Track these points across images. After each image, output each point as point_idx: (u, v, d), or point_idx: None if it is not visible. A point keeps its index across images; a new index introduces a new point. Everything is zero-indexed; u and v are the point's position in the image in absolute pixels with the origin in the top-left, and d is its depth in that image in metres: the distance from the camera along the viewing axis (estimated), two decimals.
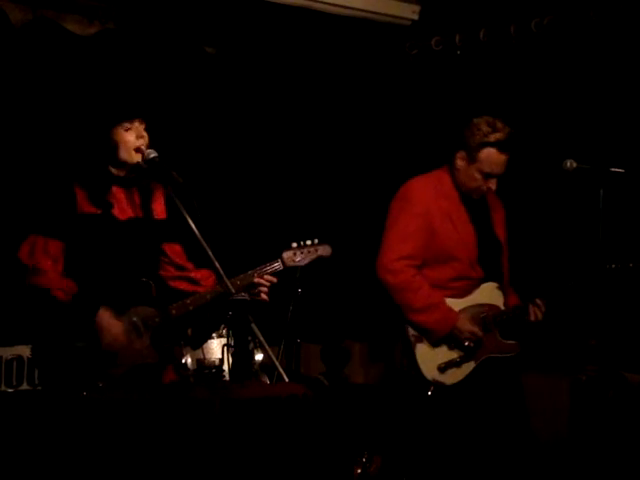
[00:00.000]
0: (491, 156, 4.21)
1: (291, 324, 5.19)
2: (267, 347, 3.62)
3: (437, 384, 4.23)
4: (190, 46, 5.99)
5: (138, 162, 3.85)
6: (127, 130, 3.85)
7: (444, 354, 4.26)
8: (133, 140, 3.85)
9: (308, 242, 4.02)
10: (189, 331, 4.98)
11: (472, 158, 4.23)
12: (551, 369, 5.47)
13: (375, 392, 5.20)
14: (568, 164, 4.20)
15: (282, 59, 6.26)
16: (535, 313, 4.30)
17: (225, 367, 4.79)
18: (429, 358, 4.24)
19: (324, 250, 4.06)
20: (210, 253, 3.64)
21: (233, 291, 3.61)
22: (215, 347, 4.90)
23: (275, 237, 5.85)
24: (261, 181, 6.26)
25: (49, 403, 2.95)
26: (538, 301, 4.31)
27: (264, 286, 3.94)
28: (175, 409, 3.03)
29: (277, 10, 5.75)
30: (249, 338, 3.93)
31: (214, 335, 4.97)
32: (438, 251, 4.27)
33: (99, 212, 3.83)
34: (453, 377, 4.25)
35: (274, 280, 3.96)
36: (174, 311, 3.90)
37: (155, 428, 2.94)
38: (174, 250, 4.07)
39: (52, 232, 3.79)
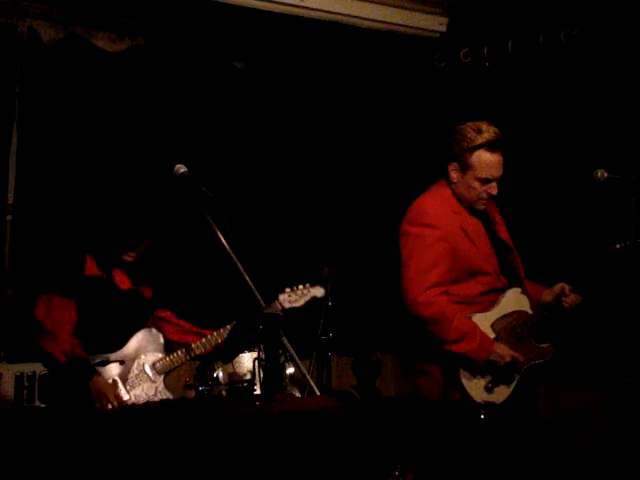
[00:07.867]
0: (482, 158, 4.03)
1: (322, 337, 5.18)
2: (298, 360, 3.62)
3: (488, 405, 4.09)
4: (219, 61, 6.02)
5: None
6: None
7: (488, 374, 4.11)
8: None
9: (300, 286, 4.52)
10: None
11: (464, 167, 4.07)
12: (587, 381, 5.42)
13: (408, 405, 5.16)
14: (599, 174, 4.16)
15: (312, 73, 6.28)
16: (568, 302, 4.19)
17: (256, 381, 4.82)
18: (474, 381, 4.09)
19: (317, 291, 4.57)
20: (241, 267, 3.64)
21: (263, 305, 3.63)
22: (246, 361, 4.91)
23: (311, 251, 5.87)
24: (291, 197, 6.26)
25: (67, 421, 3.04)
26: (564, 286, 4.20)
27: None
28: (206, 423, 3.03)
29: (307, 24, 5.78)
30: (280, 352, 3.93)
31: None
32: (463, 269, 4.09)
33: (104, 276, 4.43)
34: (502, 394, 4.13)
35: None
36: (192, 352, 4.47)
37: (186, 442, 2.94)
38: (166, 314, 4.67)
39: (66, 292, 4.32)
